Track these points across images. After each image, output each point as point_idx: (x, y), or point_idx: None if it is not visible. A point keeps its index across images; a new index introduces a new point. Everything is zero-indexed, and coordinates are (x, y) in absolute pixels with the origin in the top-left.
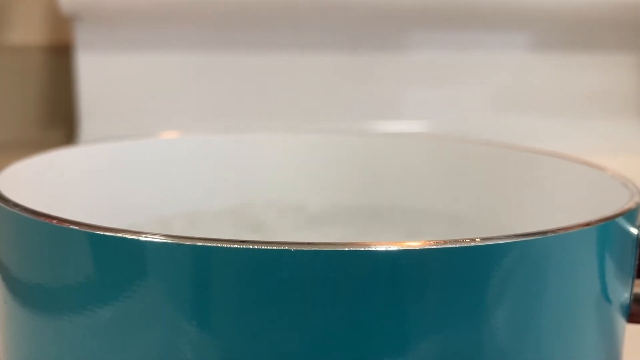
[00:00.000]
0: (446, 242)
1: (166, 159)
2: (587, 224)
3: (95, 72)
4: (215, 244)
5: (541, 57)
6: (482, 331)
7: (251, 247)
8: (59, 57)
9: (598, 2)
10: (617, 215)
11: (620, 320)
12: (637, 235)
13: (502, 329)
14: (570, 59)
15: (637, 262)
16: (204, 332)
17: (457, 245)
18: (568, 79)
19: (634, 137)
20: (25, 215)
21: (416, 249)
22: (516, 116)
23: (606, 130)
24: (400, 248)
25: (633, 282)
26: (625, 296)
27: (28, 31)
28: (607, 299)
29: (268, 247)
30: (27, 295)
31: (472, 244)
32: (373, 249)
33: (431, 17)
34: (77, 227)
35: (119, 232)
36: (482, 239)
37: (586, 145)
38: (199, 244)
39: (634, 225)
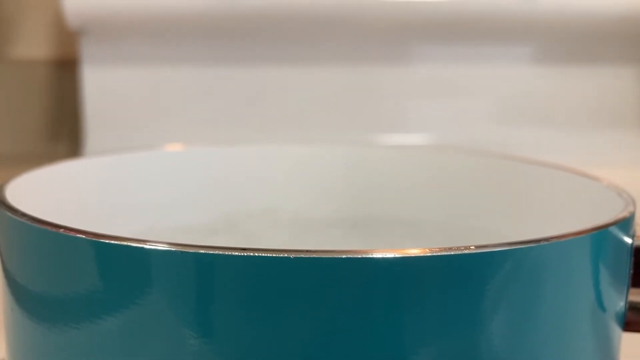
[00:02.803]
0: (441, 249)
1: (171, 170)
2: (581, 233)
3: (101, 86)
4: (217, 252)
5: (543, 70)
6: (478, 338)
7: (252, 254)
8: (65, 70)
9: (599, 15)
10: (610, 224)
11: (616, 329)
12: (631, 244)
13: (497, 335)
14: (571, 71)
15: (632, 271)
16: (206, 338)
17: (453, 253)
18: (570, 91)
19: (635, 149)
20: (33, 224)
21: (412, 257)
22: (519, 128)
23: (608, 142)
24: (397, 255)
25: (628, 290)
26: (621, 305)
27: (34, 45)
28: (602, 307)
29: (268, 255)
30: (33, 303)
31: (466, 251)
32: (370, 256)
33: (435, 30)
34: (83, 236)
35: (124, 241)
36: (477, 247)
37: (587, 156)
38: (201, 251)
39: (627, 235)
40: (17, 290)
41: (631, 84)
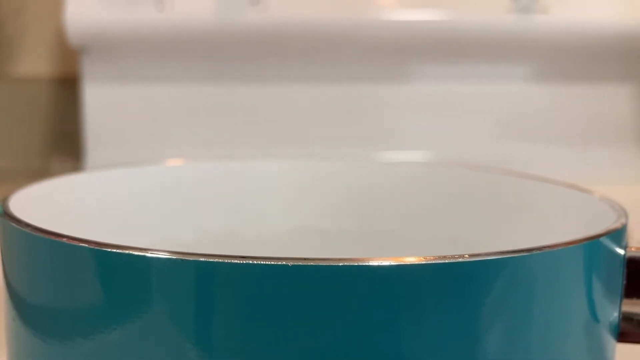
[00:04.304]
0: (436, 258)
1: (171, 184)
2: (573, 243)
3: (101, 103)
4: (217, 260)
5: (540, 88)
6: (472, 346)
7: (251, 262)
8: (67, 88)
9: (596, 34)
10: (602, 235)
11: (610, 340)
12: (624, 255)
13: (491, 344)
14: (568, 89)
15: (624, 282)
16: (206, 345)
17: (447, 261)
18: (567, 108)
19: (632, 166)
20: (36, 234)
21: (408, 265)
22: (516, 145)
23: (605, 159)
24: (393, 263)
25: (621, 301)
26: (615, 315)
27: (36, 63)
28: (596, 317)
29: (266, 262)
30: (35, 312)
31: (461, 260)
32: (367, 264)
33: (433, 49)
34: (86, 245)
35: (125, 249)
36: (471, 256)
37: (585, 173)
38: (201, 259)
39: (620, 246)
40: (18, 300)
41: (628, 101)
